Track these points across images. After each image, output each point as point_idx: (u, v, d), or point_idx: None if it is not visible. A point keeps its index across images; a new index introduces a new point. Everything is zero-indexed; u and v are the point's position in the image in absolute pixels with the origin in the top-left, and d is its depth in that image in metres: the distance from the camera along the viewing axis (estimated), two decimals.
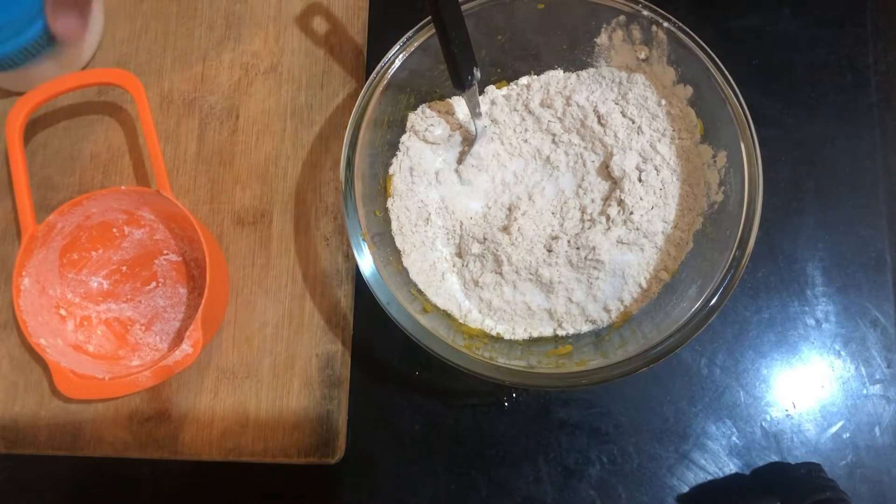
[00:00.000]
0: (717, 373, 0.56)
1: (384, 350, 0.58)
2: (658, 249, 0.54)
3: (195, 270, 0.60)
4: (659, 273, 0.54)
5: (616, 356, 0.48)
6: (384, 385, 0.58)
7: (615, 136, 0.55)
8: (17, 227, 0.62)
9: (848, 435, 0.55)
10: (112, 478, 0.59)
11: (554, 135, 0.57)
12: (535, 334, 0.55)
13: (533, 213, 0.56)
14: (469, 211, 0.57)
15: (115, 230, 0.59)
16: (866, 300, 0.57)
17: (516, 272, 0.54)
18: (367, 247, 0.50)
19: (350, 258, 0.58)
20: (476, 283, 0.55)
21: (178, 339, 0.58)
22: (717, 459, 0.55)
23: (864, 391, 0.55)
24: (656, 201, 0.54)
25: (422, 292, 0.54)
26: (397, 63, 0.52)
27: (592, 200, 0.56)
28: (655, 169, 0.54)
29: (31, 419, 0.58)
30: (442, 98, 0.58)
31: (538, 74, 0.58)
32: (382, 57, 0.52)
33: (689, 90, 0.53)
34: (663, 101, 0.54)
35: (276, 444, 0.56)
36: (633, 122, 0.55)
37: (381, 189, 0.56)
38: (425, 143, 0.57)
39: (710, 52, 0.50)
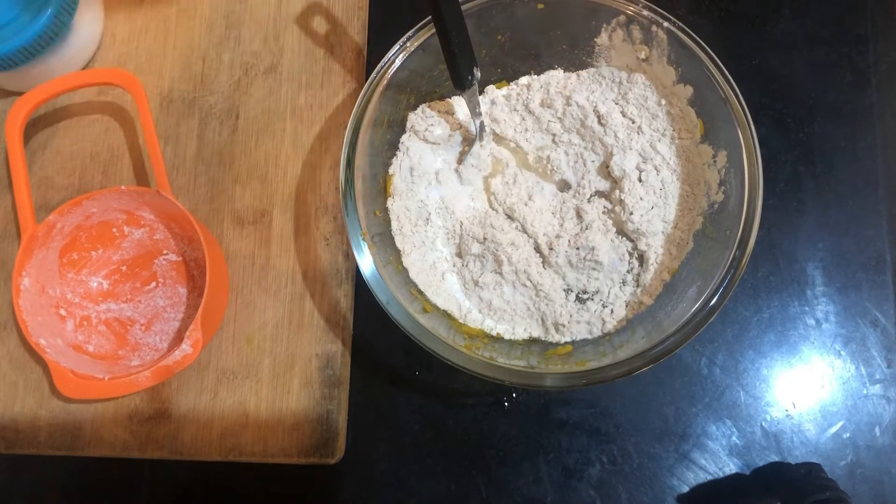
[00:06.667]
0: (717, 373, 0.56)
1: (384, 350, 0.58)
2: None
3: (195, 270, 0.60)
4: (659, 273, 0.54)
5: (616, 356, 0.48)
6: (384, 385, 0.58)
7: (615, 136, 0.55)
8: (17, 227, 0.62)
9: (848, 435, 0.55)
10: (112, 478, 0.59)
11: (554, 135, 0.57)
12: (535, 334, 0.55)
13: (533, 212, 0.56)
14: (469, 211, 0.57)
15: (114, 230, 0.59)
16: (866, 300, 0.57)
17: (516, 272, 0.54)
18: (367, 247, 0.50)
19: (350, 258, 0.58)
20: (476, 283, 0.55)
21: (178, 339, 0.58)
22: (717, 459, 0.55)
23: (864, 391, 0.55)
24: (656, 201, 0.54)
25: (422, 292, 0.54)
26: (397, 63, 0.52)
27: (592, 200, 0.56)
28: (655, 169, 0.54)
29: (31, 419, 0.58)
30: (442, 98, 0.58)
31: (538, 74, 0.58)
32: (382, 57, 0.52)
33: (689, 90, 0.53)
34: (663, 101, 0.54)
35: (276, 445, 0.55)
36: (633, 122, 0.55)
37: (381, 189, 0.56)
38: (425, 143, 0.57)
39: (710, 52, 0.50)
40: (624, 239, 0.55)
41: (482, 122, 0.56)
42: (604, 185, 0.56)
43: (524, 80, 0.58)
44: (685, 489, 0.54)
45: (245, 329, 0.58)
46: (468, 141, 0.58)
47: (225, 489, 0.58)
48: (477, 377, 0.48)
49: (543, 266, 0.55)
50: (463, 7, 0.50)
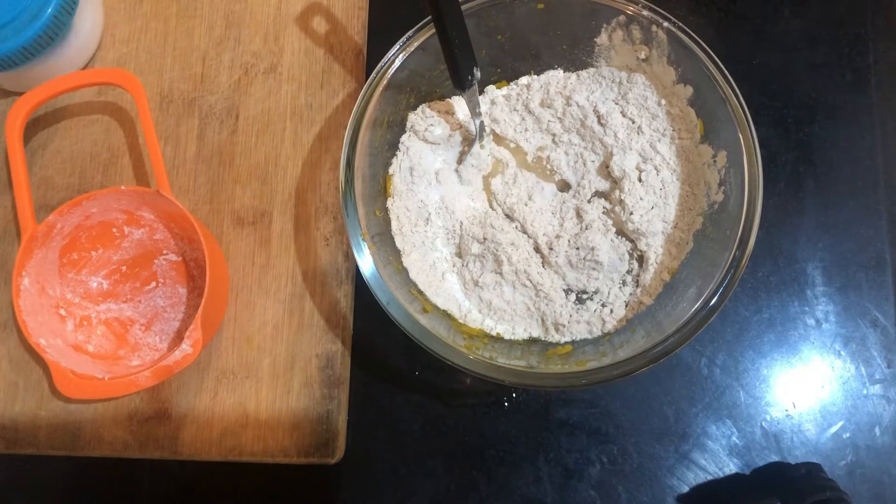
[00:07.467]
0: (717, 373, 0.56)
1: (384, 350, 0.58)
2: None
3: (195, 270, 0.60)
4: (659, 273, 0.54)
5: (616, 356, 0.48)
6: (384, 385, 0.58)
7: (615, 136, 0.55)
8: (17, 227, 0.62)
9: (848, 435, 0.55)
10: (112, 478, 0.59)
11: (554, 135, 0.57)
12: (535, 334, 0.55)
13: (533, 212, 0.56)
14: (469, 211, 0.57)
15: (114, 230, 0.59)
16: (866, 300, 0.57)
17: (516, 272, 0.54)
18: (367, 247, 0.50)
19: (350, 258, 0.58)
20: (476, 283, 0.55)
21: (178, 339, 0.58)
22: (717, 459, 0.55)
23: (864, 391, 0.55)
24: (656, 201, 0.54)
25: (422, 292, 0.54)
26: (397, 63, 0.52)
27: (592, 200, 0.56)
28: (655, 169, 0.54)
29: (31, 419, 0.58)
30: (442, 98, 0.58)
31: (538, 74, 0.58)
32: (382, 57, 0.52)
33: (689, 90, 0.53)
34: (663, 101, 0.54)
35: (276, 444, 0.55)
36: (633, 122, 0.55)
37: (381, 189, 0.56)
38: (425, 143, 0.57)
39: (710, 52, 0.50)
40: (624, 239, 0.55)
41: (482, 122, 0.56)
42: (604, 185, 0.56)
43: (524, 80, 0.58)
44: (685, 489, 0.54)
45: (245, 329, 0.58)
46: (468, 141, 0.58)
47: (225, 489, 0.58)
48: (477, 377, 0.48)
49: (543, 266, 0.55)
50: (463, 7, 0.50)
